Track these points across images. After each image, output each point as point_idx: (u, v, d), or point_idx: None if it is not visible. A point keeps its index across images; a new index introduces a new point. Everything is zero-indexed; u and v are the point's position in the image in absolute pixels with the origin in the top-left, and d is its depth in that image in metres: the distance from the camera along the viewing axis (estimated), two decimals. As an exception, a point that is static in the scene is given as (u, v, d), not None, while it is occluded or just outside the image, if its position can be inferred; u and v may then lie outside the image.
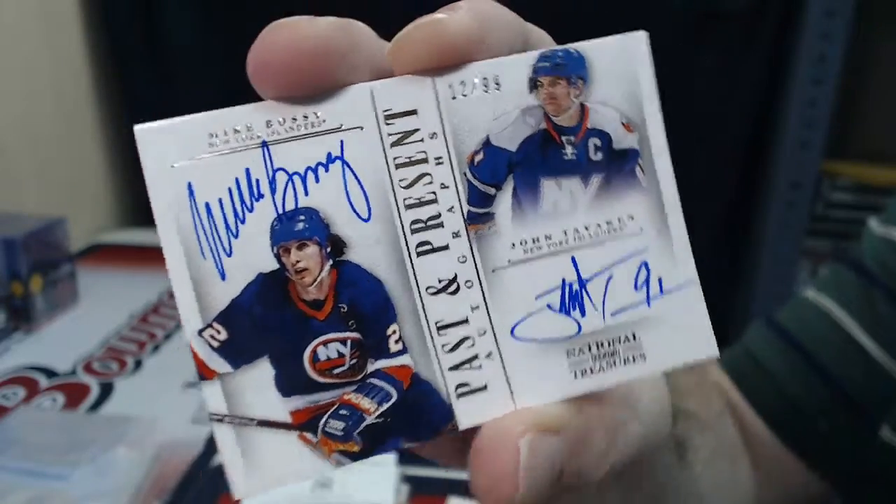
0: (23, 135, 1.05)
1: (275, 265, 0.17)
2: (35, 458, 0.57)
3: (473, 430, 0.18)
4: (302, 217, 0.17)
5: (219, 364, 0.17)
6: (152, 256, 1.12)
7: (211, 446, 0.64)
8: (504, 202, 0.18)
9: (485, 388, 0.18)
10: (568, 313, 0.18)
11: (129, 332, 0.86)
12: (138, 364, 0.79)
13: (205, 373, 0.17)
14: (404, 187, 0.17)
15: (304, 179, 0.17)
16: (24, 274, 0.82)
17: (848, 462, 0.44)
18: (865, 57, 1.24)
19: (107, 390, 0.73)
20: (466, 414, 0.18)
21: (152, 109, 1.25)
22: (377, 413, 0.17)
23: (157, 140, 0.18)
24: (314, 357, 0.17)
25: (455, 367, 0.18)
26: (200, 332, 0.17)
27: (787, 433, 0.47)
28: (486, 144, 0.18)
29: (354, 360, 0.17)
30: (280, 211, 0.17)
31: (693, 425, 0.37)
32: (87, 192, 1.23)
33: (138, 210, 1.35)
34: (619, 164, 0.19)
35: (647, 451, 0.22)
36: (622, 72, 0.18)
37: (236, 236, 0.17)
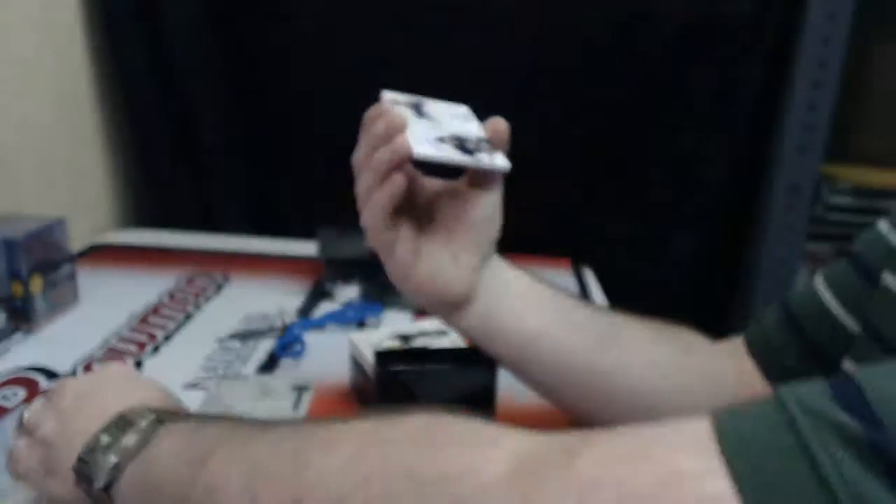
0: (23, 136, 1.05)
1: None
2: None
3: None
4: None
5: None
6: (152, 257, 1.13)
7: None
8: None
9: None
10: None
11: (129, 332, 0.86)
12: (138, 365, 0.79)
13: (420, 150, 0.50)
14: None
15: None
16: (24, 274, 0.82)
17: None
18: (865, 60, 1.25)
19: (107, 391, 0.73)
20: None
21: (152, 111, 1.26)
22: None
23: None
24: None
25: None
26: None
27: (775, 379, 0.60)
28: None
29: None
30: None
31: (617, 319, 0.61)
32: (87, 193, 1.23)
33: (138, 211, 1.35)
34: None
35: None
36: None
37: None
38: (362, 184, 0.53)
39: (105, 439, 0.46)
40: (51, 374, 0.75)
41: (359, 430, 0.35)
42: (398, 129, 0.51)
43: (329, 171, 1.24)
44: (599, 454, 0.27)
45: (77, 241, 1.01)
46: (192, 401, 0.71)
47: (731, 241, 1.23)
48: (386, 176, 0.51)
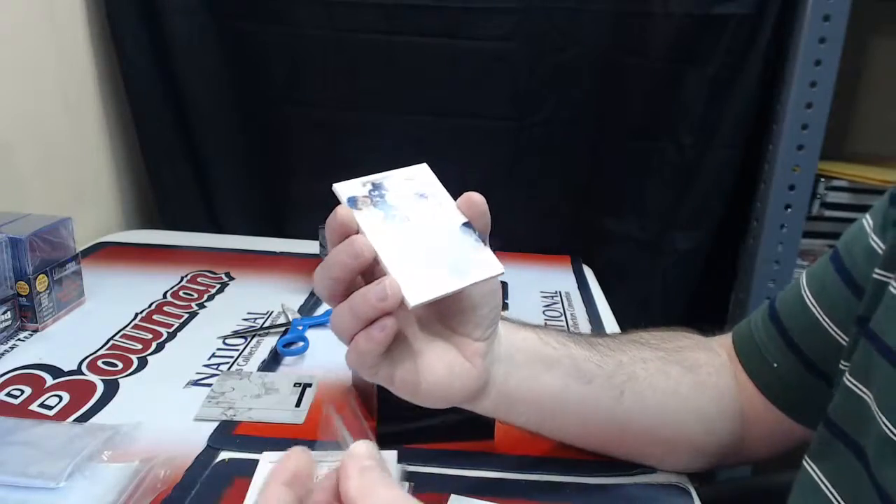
0: (29, 135, 1.06)
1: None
2: (22, 468, 0.58)
3: None
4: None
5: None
6: (157, 255, 1.13)
7: (214, 443, 0.65)
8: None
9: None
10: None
11: (134, 330, 0.87)
12: (143, 363, 0.80)
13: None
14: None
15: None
16: (29, 273, 0.83)
17: (815, 407, 0.53)
18: (861, 59, 1.25)
19: (112, 388, 0.74)
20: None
21: (157, 110, 1.27)
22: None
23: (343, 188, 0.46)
24: None
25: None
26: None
27: (769, 390, 0.60)
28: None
29: None
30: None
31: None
32: (92, 192, 1.24)
33: (143, 210, 1.36)
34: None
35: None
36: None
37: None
38: (340, 322, 0.44)
39: None
40: (56, 372, 0.77)
41: None
42: (369, 261, 0.42)
43: (330, 171, 1.24)
44: None
45: (82, 239, 1.02)
46: (196, 398, 0.72)
47: (729, 239, 1.24)
48: (371, 321, 0.43)
